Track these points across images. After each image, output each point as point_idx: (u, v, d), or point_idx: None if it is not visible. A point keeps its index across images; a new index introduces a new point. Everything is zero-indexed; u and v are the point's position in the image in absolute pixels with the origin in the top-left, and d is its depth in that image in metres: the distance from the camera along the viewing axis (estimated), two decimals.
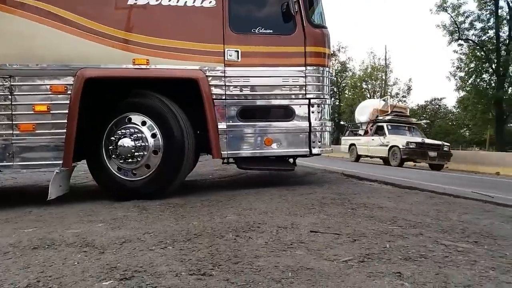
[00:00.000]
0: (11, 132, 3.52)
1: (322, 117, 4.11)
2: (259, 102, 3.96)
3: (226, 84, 3.84)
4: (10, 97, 3.50)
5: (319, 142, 4.08)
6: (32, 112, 3.54)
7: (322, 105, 4.10)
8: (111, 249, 2.21)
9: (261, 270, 1.80)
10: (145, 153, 3.71)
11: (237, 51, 3.85)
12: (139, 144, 3.69)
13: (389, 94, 32.05)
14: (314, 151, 4.07)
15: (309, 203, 3.38)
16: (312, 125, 4.04)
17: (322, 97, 4.10)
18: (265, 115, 4.02)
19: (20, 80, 3.53)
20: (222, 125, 3.85)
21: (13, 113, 3.52)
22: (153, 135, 3.74)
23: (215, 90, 3.82)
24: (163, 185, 3.78)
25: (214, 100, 3.82)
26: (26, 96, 3.55)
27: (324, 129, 4.14)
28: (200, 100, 3.78)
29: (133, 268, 1.87)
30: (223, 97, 3.85)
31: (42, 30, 3.55)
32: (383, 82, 41.55)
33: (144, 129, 3.73)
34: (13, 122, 3.52)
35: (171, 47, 3.75)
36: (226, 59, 3.83)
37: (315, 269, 1.78)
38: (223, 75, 3.83)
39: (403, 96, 41.88)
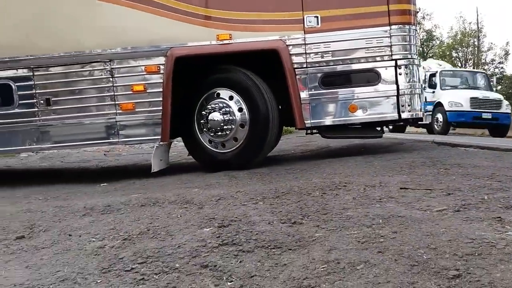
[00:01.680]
0: (115, 111, 3.93)
1: (411, 79, 3.90)
2: (342, 68, 3.88)
3: (307, 51, 3.83)
4: (111, 79, 3.90)
5: (409, 106, 3.89)
6: (131, 92, 3.91)
7: (410, 66, 3.89)
8: (208, 205, 2.39)
9: (350, 218, 1.83)
10: (233, 126, 3.88)
11: (317, 17, 3.81)
12: (227, 118, 3.87)
13: (483, 60, 28.73)
14: (404, 115, 3.89)
15: (397, 167, 3.27)
16: (400, 88, 3.85)
17: (409, 57, 3.89)
18: (348, 80, 3.94)
19: (119, 63, 3.90)
20: (304, 94, 3.87)
21: (115, 94, 3.91)
22: (240, 109, 3.89)
23: (296, 59, 3.84)
24: (250, 157, 3.93)
25: (296, 69, 3.84)
26: (124, 77, 3.91)
27: (413, 91, 3.92)
28: (281, 70, 3.83)
29: (229, 219, 2.02)
30: (304, 66, 3.85)
31: (134, 14, 3.86)
32: (476, 48, 37.60)
33: (232, 103, 3.90)
34: (116, 102, 3.92)
35: (251, 20, 3.83)
36: (305, 26, 3.81)
37: (407, 216, 1.75)
38: (303, 42, 3.83)
39: (499, 63, 37.51)
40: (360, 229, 1.65)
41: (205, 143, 4.03)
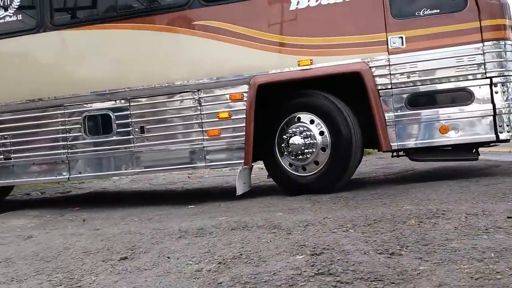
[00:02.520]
0: (202, 137, 4.14)
1: (509, 97, 3.60)
2: (430, 88, 3.71)
3: (391, 72, 3.73)
4: (199, 107, 4.13)
5: (507, 126, 3.59)
6: (217, 119, 4.10)
7: (507, 84, 3.60)
8: (296, 231, 2.39)
9: (456, 250, 1.71)
10: (314, 150, 3.88)
11: (401, 37, 3.71)
12: (308, 142, 3.88)
13: None
14: (502, 136, 3.58)
15: (499, 193, 3.00)
16: (496, 107, 3.57)
17: (506, 74, 3.61)
18: (437, 100, 3.75)
19: (205, 93, 4.13)
20: (389, 116, 3.75)
21: (202, 121, 4.14)
22: (321, 133, 3.88)
23: (379, 80, 3.76)
24: (331, 181, 3.88)
25: (380, 91, 3.75)
26: (211, 105, 4.12)
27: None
28: (364, 92, 3.77)
29: (321, 246, 1.99)
30: (389, 87, 3.75)
31: (218, 46, 4.09)
32: None
33: (312, 127, 3.91)
34: (203, 129, 4.14)
35: (332, 44, 3.85)
36: (389, 47, 3.73)
37: None
38: (387, 63, 3.74)
39: None
40: (471, 263, 1.53)
41: (285, 166, 4.07)
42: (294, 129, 3.95)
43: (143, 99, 4.25)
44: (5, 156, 4.50)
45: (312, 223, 2.51)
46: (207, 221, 3.02)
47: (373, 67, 3.77)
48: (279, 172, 4.15)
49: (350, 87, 3.90)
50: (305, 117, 3.96)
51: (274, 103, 4.13)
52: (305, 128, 3.92)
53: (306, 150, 3.89)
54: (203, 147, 4.14)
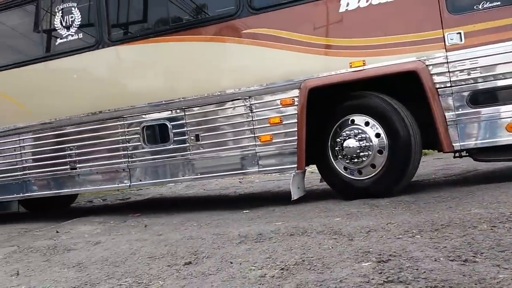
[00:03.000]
0: (254, 143, 4.18)
1: None
2: (494, 84, 3.50)
3: (450, 70, 3.56)
4: (251, 114, 4.18)
5: None
6: (268, 124, 4.12)
7: None
8: (358, 237, 2.34)
9: None
10: (370, 152, 3.79)
11: (459, 33, 3.53)
12: (363, 144, 3.79)
13: None
14: None
15: None
16: None
17: None
18: (502, 97, 3.53)
19: (256, 99, 4.17)
20: (450, 115, 3.58)
21: (254, 127, 4.18)
22: (377, 135, 3.79)
23: (437, 79, 3.60)
24: (390, 184, 3.77)
25: (438, 89, 3.60)
26: (262, 111, 4.16)
27: None
28: (422, 91, 3.63)
29: (386, 253, 1.94)
30: (448, 85, 3.58)
31: (266, 52, 4.11)
32: None
33: (368, 129, 3.82)
34: (255, 135, 4.18)
35: (385, 44, 3.75)
36: (447, 44, 3.57)
37: None
38: (446, 61, 3.57)
39: None
40: None
41: (340, 170, 4.00)
42: (348, 132, 3.88)
43: (197, 108, 4.36)
44: (71, 166, 4.80)
45: (374, 228, 2.45)
46: (265, 226, 3.04)
47: (430, 65, 3.62)
48: (333, 176, 4.09)
49: (406, 88, 3.77)
50: (359, 119, 3.87)
51: (325, 106, 4.09)
52: (359, 131, 3.84)
53: (361, 153, 3.80)
54: (256, 152, 4.18)
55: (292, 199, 3.96)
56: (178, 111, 4.42)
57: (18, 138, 5.01)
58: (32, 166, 4.99)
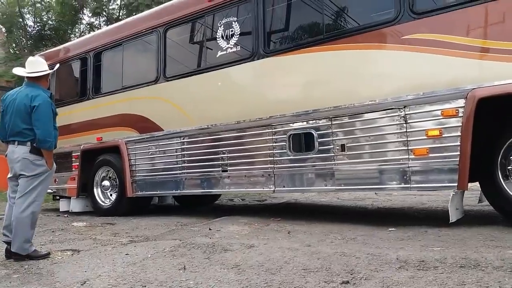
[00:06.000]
0: (407, 156, 3.89)
1: None
2: None
3: None
4: (405, 125, 3.90)
5: None
6: (425, 137, 3.79)
7: None
8: None
9: None
10: None
11: None
12: None
13: None
14: None
15: None
16: None
17: None
18: None
19: (412, 109, 3.88)
20: None
21: (408, 139, 3.89)
22: None
23: None
24: None
25: None
26: (418, 122, 3.85)
27: None
28: None
29: None
30: None
31: (426, 58, 3.79)
32: None
33: None
34: (408, 148, 3.89)
35: None
36: None
37: None
38: None
39: None
40: None
41: (510, 192, 3.50)
42: None
43: (345, 118, 4.26)
44: (223, 168, 5.18)
45: None
46: (424, 252, 2.79)
47: None
48: (501, 198, 3.59)
49: None
50: None
51: (494, 118, 3.59)
52: None
53: None
54: (408, 167, 3.89)
55: (450, 221, 3.59)
56: (324, 120, 4.39)
57: (180, 141, 5.61)
58: (189, 167, 5.53)
